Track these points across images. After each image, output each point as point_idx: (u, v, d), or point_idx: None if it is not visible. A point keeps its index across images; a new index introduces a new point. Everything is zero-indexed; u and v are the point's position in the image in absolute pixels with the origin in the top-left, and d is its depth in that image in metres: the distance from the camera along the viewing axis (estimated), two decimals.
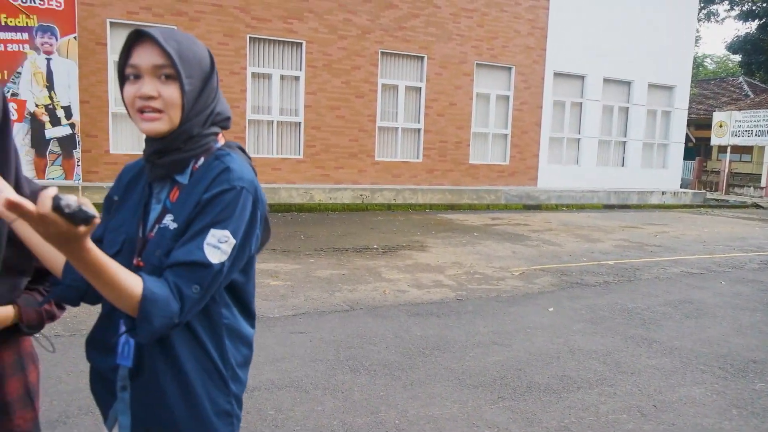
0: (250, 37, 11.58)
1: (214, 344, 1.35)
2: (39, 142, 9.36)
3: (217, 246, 1.25)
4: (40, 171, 9.39)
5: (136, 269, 1.33)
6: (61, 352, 3.89)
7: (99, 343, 1.41)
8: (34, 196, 1.63)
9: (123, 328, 1.35)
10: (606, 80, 15.80)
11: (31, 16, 9.14)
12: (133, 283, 1.15)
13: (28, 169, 9.24)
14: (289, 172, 12.21)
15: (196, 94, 1.31)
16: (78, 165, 9.65)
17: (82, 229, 1.01)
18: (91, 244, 1.07)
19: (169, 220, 1.30)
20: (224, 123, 1.39)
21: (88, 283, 1.34)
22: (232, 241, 1.27)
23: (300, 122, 12.28)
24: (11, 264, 1.52)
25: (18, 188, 1.56)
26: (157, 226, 1.33)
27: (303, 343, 4.35)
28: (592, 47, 15.26)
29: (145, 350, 1.32)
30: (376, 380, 3.77)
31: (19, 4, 9.07)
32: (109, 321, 1.38)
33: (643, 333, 4.95)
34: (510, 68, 14.41)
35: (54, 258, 1.40)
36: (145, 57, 1.26)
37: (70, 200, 0.99)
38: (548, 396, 3.64)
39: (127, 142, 10.93)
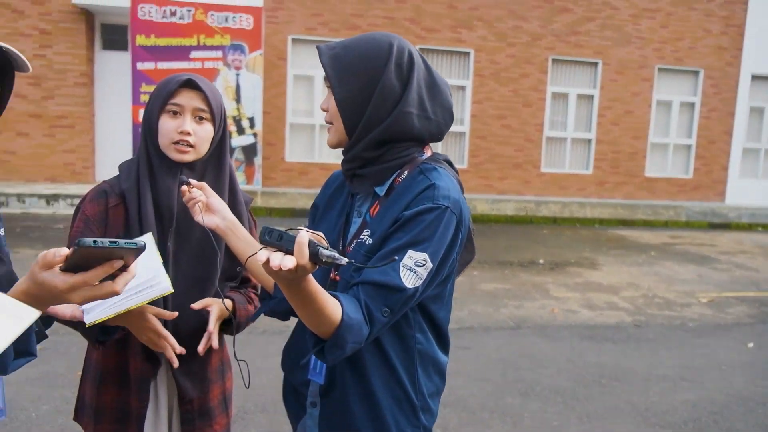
0: (419, 48, 11.74)
1: (405, 371, 1.27)
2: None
3: (414, 269, 1.15)
4: None
5: (332, 283, 1.29)
6: (240, 349, 4.13)
7: (293, 356, 1.40)
8: (246, 206, 1.69)
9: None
10: None
11: (225, 36, 10.06)
12: (334, 309, 1.10)
13: None
14: None
15: (356, 99, 1.21)
16: (258, 172, 10.43)
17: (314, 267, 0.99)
18: (310, 276, 1.04)
19: (366, 236, 1.24)
20: (426, 132, 1.26)
21: None
22: (430, 266, 1.17)
23: (465, 132, 12.19)
24: (223, 269, 1.59)
25: (233, 196, 1.62)
26: (355, 241, 1.27)
27: (468, 360, 4.22)
28: None
29: (337, 370, 1.27)
30: (547, 407, 3.51)
31: (216, 26, 10.02)
32: (304, 334, 1.36)
33: None
34: (697, 72, 13.10)
35: (263, 272, 1.40)
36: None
37: (322, 248, 0.97)
38: None
39: (301, 150, 11.60)
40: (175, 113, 1.50)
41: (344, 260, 0.97)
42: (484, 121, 12.20)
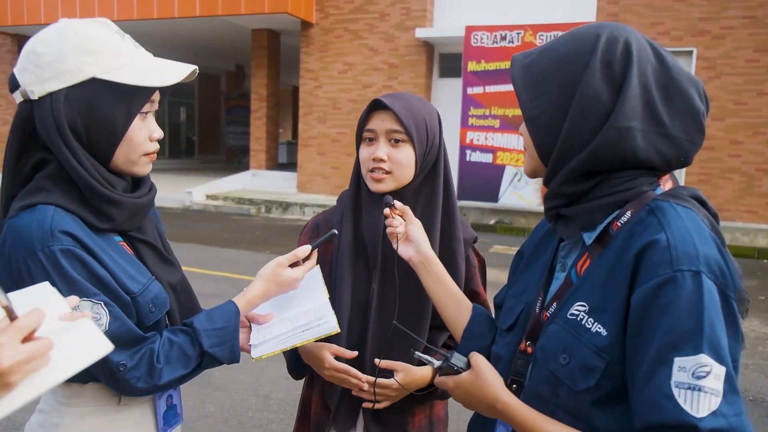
0: None
1: None
2: None
3: (695, 386, 0.76)
4: None
5: (521, 355, 1.00)
6: None
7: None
8: (467, 244, 1.48)
9: (499, 428, 1.05)
10: None
11: None
12: None
13: None
14: None
15: (548, 116, 0.91)
16: None
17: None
18: (507, 399, 0.91)
19: (581, 312, 0.89)
20: (658, 155, 0.89)
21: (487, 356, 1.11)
22: (719, 369, 0.76)
23: None
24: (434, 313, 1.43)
25: (450, 231, 1.44)
26: (554, 305, 0.95)
27: None
28: None
29: None
30: None
31: None
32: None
33: None
34: None
35: (455, 321, 1.22)
36: None
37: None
38: None
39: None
40: (370, 140, 1.39)
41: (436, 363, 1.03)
42: None
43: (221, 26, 12.98)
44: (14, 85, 1.10)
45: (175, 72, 1.16)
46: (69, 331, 0.82)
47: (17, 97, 1.10)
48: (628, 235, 0.86)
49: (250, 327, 1.32)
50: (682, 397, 0.76)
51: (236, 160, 19.17)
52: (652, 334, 0.79)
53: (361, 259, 1.43)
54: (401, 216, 1.28)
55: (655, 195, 0.89)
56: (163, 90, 1.20)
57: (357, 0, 11.73)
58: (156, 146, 1.20)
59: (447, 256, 1.41)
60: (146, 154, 1.18)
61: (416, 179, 1.40)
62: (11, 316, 0.73)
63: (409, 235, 1.26)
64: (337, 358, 1.36)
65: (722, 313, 0.79)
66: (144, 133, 1.16)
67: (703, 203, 0.90)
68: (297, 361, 1.46)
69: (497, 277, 4.68)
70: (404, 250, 1.26)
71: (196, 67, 1.20)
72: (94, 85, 1.08)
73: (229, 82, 20.45)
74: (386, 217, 1.29)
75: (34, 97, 1.08)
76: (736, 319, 0.81)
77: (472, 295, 1.46)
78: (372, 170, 1.37)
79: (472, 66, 10.34)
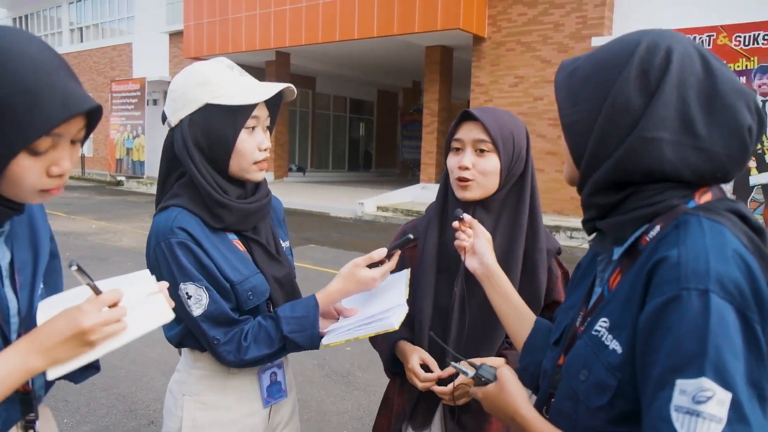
0: None
1: None
2: (742, 189, 8.92)
3: (694, 411, 0.70)
4: None
5: (559, 370, 0.97)
6: None
7: None
8: (549, 255, 1.46)
9: None
10: None
11: (751, 59, 8.82)
12: None
13: None
14: None
15: (582, 124, 0.88)
16: None
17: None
18: (525, 412, 0.93)
19: (603, 329, 0.85)
20: (688, 168, 0.81)
21: (539, 373, 1.11)
22: (723, 395, 0.69)
23: None
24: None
25: (533, 242, 1.44)
26: (587, 321, 0.92)
27: None
28: None
29: None
30: None
31: (740, 48, 8.89)
32: None
33: None
34: None
35: (517, 333, 1.23)
36: None
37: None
38: None
39: None
40: (457, 149, 1.45)
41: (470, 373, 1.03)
42: None
43: (397, 45, 13.59)
44: (163, 117, 1.39)
45: (267, 91, 1.34)
46: (144, 303, 1.00)
47: (166, 125, 1.39)
48: (652, 251, 0.80)
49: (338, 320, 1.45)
50: (679, 422, 0.69)
51: (410, 174, 19.82)
52: (656, 354, 0.74)
53: (445, 264, 1.47)
54: (470, 228, 1.32)
55: (686, 209, 0.82)
56: (272, 108, 1.41)
57: (531, 12, 11.56)
58: (265, 155, 1.39)
59: (529, 266, 1.44)
60: (256, 163, 1.37)
61: (502, 189, 1.43)
62: (96, 292, 0.94)
63: (475, 248, 1.30)
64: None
65: (741, 336, 0.70)
66: (251, 144, 1.35)
67: (743, 217, 0.80)
68: (394, 362, 1.52)
69: None
70: (470, 262, 1.31)
71: (289, 85, 1.38)
72: (208, 109, 1.31)
73: (406, 97, 21.27)
74: (456, 229, 1.33)
75: (173, 124, 1.35)
76: (759, 342, 0.71)
77: (554, 305, 1.46)
78: (458, 178, 1.42)
79: None
